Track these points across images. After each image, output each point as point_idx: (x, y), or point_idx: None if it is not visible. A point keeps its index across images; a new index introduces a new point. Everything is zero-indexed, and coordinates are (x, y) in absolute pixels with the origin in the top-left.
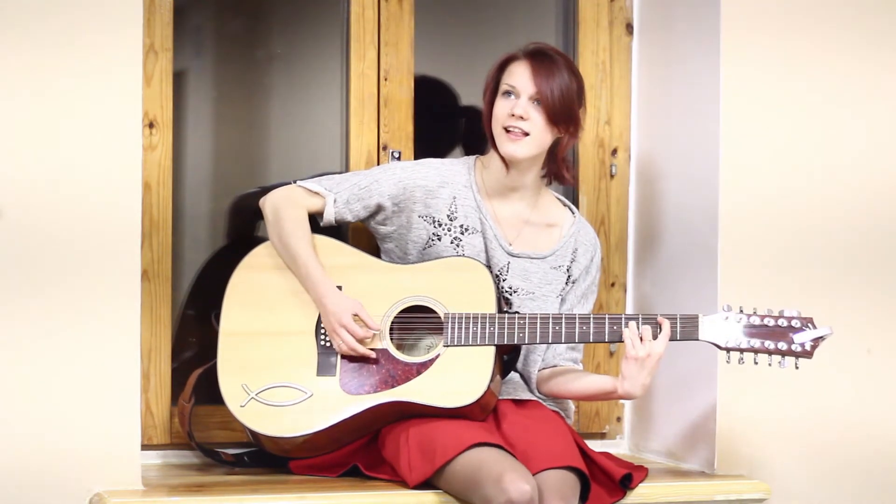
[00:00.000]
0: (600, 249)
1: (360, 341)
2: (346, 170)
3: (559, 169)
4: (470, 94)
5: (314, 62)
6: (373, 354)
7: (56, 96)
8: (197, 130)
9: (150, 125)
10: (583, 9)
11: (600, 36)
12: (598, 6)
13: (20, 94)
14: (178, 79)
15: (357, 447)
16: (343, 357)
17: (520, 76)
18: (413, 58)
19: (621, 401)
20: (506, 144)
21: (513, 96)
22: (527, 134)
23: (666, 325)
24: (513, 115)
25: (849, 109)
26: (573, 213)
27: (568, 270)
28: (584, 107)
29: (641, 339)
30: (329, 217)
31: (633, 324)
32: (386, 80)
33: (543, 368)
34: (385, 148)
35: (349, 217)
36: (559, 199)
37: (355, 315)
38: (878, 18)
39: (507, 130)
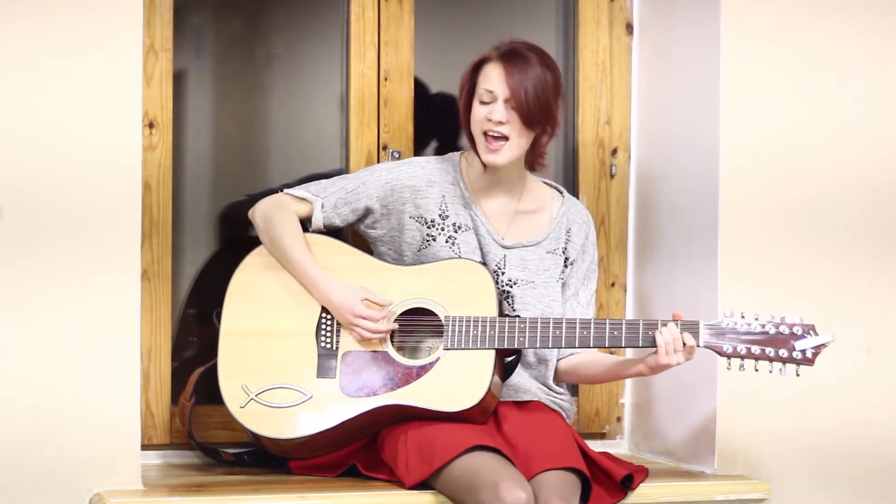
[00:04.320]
0: (594, 226)
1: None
2: (347, 170)
3: (534, 161)
4: None
5: (314, 62)
6: (396, 327)
7: (56, 96)
8: (197, 130)
9: (150, 125)
10: (583, 9)
11: (600, 36)
12: (598, 6)
13: (20, 94)
14: (178, 79)
15: (356, 448)
16: (343, 359)
17: (494, 80)
18: (413, 58)
19: (621, 401)
20: (486, 154)
21: (489, 100)
22: (507, 137)
23: (689, 338)
24: (490, 121)
25: (852, 107)
26: (561, 194)
27: (564, 252)
28: (561, 98)
29: (684, 344)
30: (318, 222)
31: (673, 327)
32: (386, 80)
33: (561, 358)
34: (385, 148)
35: (338, 222)
36: (545, 182)
37: (364, 299)
38: (880, 17)
39: (485, 134)
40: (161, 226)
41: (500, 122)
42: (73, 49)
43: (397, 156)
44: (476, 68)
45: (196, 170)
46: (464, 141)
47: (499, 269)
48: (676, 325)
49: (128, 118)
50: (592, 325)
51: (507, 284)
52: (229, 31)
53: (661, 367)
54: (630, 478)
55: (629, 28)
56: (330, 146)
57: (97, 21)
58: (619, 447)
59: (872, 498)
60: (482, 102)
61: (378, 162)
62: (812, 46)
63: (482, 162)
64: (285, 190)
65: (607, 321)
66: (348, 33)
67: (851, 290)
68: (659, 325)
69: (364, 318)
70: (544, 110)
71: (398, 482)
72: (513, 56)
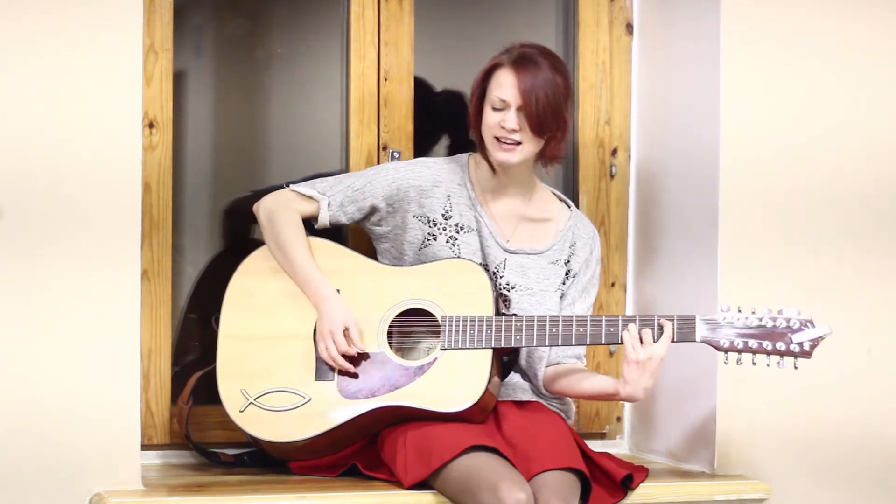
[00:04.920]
0: (599, 242)
1: (344, 355)
2: (347, 170)
3: (547, 160)
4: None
5: (314, 62)
6: (351, 368)
7: (56, 96)
8: (197, 130)
9: (150, 125)
10: (583, 9)
11: (600, 36)
12: (598, 6)
13: (20, 94)
14: (178, 79)
15: (356, 448)
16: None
17: (506, 87)
18: (413, 58)
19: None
20: (497, 153)
21: (501, 107)
22: (518, 143)
23: (668, 326)
24: (503, 128)
25: (852, 108)
26: (569, 207)
27: (567, 264)
28: (571, 102)
29: (642, 341)
30: (324, 220)
31: (632, 327)
32: (386, 80)
33: (548, 366)
34: (385, 148)
35: (344, 219)
36: (555, 193)
37: (346, 329)
38: (881, 16)
39: (497, 139)
40: (161, 226)
41: (514, 130)
42: (73, 49)
43: (397, 156)
44: (488, 73)
45: (196, 170)
46: (466, 140)
47: (497, 271)
48: (636, 322)
49: (128, 118)
50: (589, 322)
51: (504, 288)
52: (229, 31)
53: (629, 368)
54: (630, 478)
55: (629, 28)
56: (330, 146)
57: (97, 21)
58: (619, 447)
59: (873, 497)
60: (494, 109)
61: (378, 162)
62: (812, 47)
63: (493, 162)
64: (291, 186)
65: (604, 318)
66: (348, 33)
67: (851, 290)
68: (656, 321)
69: (333, 341)
70: (555, 117)
71: (398, 482)
72: (525, 62)
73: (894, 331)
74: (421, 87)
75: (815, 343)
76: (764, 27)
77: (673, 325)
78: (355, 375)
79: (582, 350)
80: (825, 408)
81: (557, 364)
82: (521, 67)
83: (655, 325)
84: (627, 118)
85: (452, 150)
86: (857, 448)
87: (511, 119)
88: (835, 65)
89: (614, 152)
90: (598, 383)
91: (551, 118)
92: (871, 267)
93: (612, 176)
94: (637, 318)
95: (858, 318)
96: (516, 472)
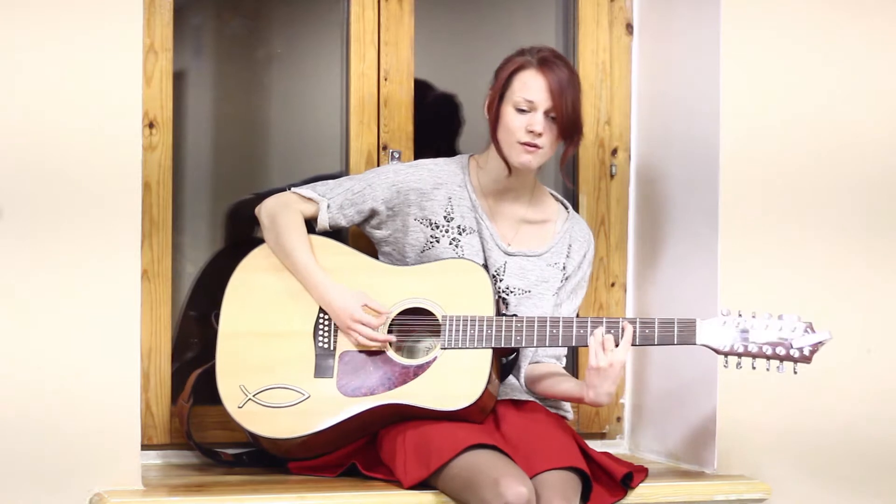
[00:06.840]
0: (594, 246)
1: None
2: (347, 170)
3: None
4: (470, 94)
5: (314, 62)
6: (394, 339)
7: (56, 96)
8: (197, 130)
9: (150, 125)
10: (583, 9)
11: (600, 36)
12: (598, 6)
13: (20, 93)
14: (178, 79)
15: (356, 447)
16: (341, 358)
17: (535, 89)
18: (413, 58)
19: (621, 401)
20: (521, 156)
21: (528, 109)
22: (540, 147)
23: (628, 330)
24: (531, 132)
25: (854, 105)
26: (566, 209)
27: (564, 268)
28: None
29: (604, 348)
30: (323, 222)
31: (598, 332)
32: (386, 80)
33: (530, 363)
34: (385, 148)
35: (343, 222)
36: (553, 194)
37: (364, 305)
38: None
39: (520, 143)
40: (161, 226)
41: (540, 134)
42: (74, 49)
43: (397, 156)
44: (511, 75)
45: (196, 170)
46: (466, 141)
47: (498, 274)
48: (636, 324)
49: (128, 118)
50: (589, 323)
51: (504, 292)
52: (229, 31)
53: (590, 373)
54: (630, 476)
55: (629, 28)
56: (330, 146)
57: (97, 21)
58: (619, 447)
59: (873, 498)
60: (519, 110)
61: (378, 162)
62: (812, 46)
63: (511, 165)
64: (292, 189)
65: (604, 319)
66: (348, 33)
67: (852, 291)
68: (656, 323)
69: (362, 325)
70: (578, 122)
71: (397, 482)
72: (551, 65)
73: (894, 331)
74: (421, 87)
75: (815, 348)
76: (764, 27)
77: (674, 326)
78: (374, 362)
79: (563, 350)
80: (825, 408)
81: (537, 363)
82: (548, 69)
83: (656, 322)
84: (627, 118)
85: (452, 151)
86: (857, 448)
87: (539, 122)
88: (835, 65)
89: (614, 152)
90: (568, 388)
91: (574, 120)
92: (872, 267)
93: (612, 176)
94: (637, 319)
95: (858, 318)
96: (517, 468)
